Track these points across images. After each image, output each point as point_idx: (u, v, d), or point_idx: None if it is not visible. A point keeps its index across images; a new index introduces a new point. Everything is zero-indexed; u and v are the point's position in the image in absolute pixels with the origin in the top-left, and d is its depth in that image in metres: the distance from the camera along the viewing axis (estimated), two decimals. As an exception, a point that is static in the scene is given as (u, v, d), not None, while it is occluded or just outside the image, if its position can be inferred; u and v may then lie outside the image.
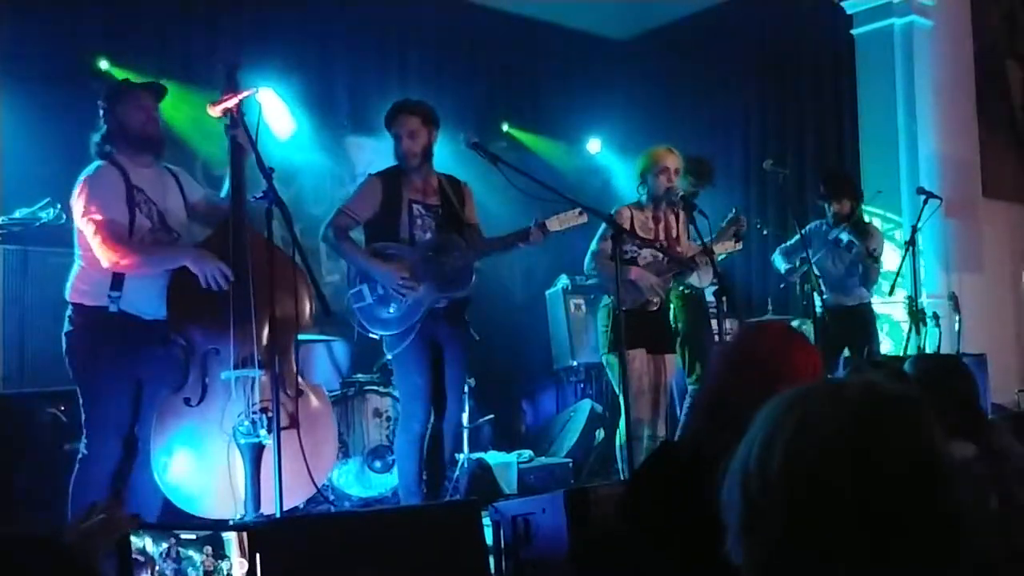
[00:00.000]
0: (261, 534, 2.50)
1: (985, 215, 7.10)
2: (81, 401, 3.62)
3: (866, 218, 5.88)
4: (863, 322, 5.73)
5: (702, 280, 5.13)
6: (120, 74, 5.85)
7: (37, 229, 4.51)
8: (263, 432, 3.35)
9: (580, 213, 4.04)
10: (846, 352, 5.64)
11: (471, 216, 4.38)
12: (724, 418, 1.94)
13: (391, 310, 4.16)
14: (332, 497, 5.00)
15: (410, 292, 4.11)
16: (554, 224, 4.06)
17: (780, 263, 5.85)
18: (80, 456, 3.60)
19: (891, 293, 5.62)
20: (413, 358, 4.19)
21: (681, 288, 5.17)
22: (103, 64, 5.92)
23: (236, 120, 3.59)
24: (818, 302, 5.57)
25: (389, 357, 4.35)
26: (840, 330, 5.64)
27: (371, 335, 4.37)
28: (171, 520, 3.75)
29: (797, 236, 5.65)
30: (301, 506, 3.75)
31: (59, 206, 4.27)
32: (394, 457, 5.20)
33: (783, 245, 5.87)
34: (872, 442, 0.90)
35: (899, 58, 6.78)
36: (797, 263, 5.66)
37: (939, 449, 0.91)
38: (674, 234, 4.85)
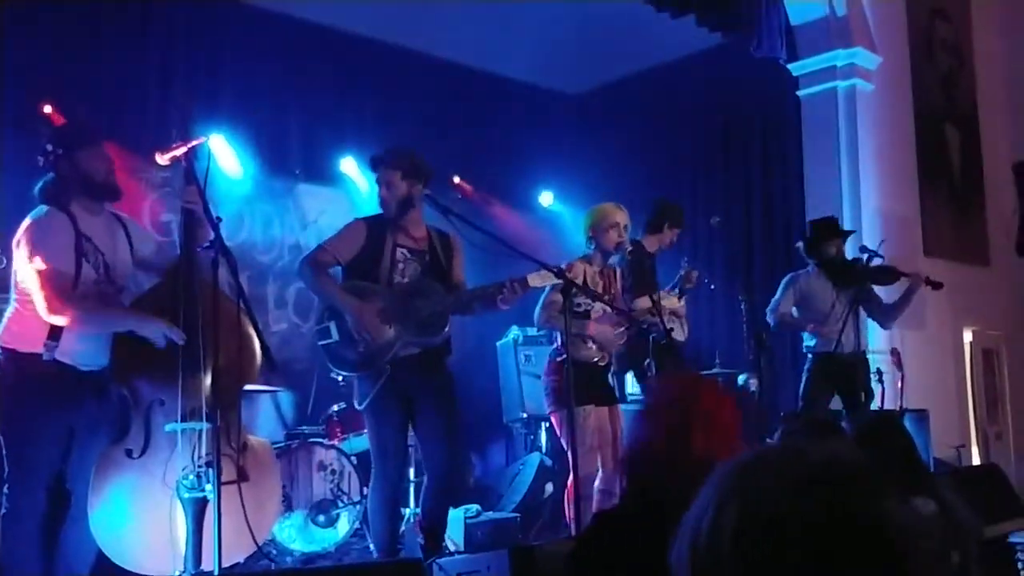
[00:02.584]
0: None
1: (926, 273, 7.25)
2: (4, 452, 3.44)
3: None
4: (857, 372, 5.72)
5: (686, 333, 5.16)
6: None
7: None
8: (209, 487, 3.24)
9: (544, 277, 4.00)
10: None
11: (458, 272, 4.31)
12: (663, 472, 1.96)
13: (359, 350, 4.02)
14: (274, 552, 4.89)
15: (371, 338, 3.99)
16: (535, 280, 4.01)
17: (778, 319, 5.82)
18: (3, 514, 3.41)
19: (835, 349, 5.68)
20: (381, 411, 4.07)
21: (659, 341, 5.16)
22: (47, 109, 5.86)
23: (185, 169, 3.56)
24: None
25: (359, 408, 4.17)
26: (832, 380, 5.67)
27: (335, 376, 4.20)
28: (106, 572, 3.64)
29: (784, 290, 5.72)
30: (241, 562, 3.66)
31: (-1, 253, 4.16)
32: (344, 507, 5.14)
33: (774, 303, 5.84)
34: (829, 514, 0.90)
35: (842, 119, 6.95)
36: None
37: (894, 520, 0.91)
38: (616, 289, 4.88)
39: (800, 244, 5.94)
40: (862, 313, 5.83)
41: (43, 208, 3.56)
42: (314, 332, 4.22)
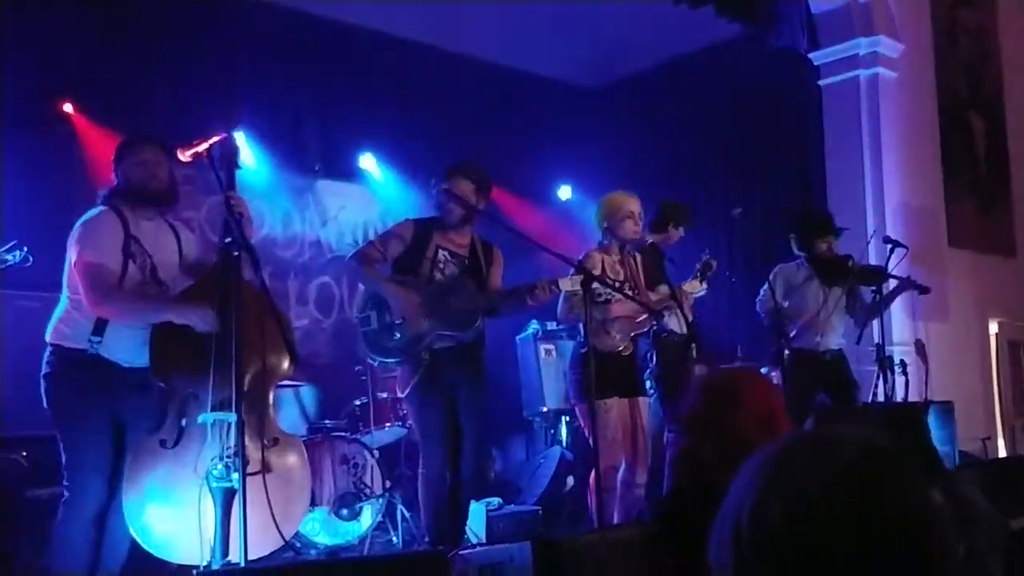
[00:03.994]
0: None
1: (950, 264, 7.19)
2: (61, 444, 3.59)
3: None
4: (840, 368, 5.70)
5: (683, 326, 5.13)
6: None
7: (4, 272, 4.44)
8: (236, 476, 3.27)
9: (574, 283, 4.08)
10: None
11: (495, 279, 4.51)
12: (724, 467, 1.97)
13: (395, 337, 4.26)
14: (298, 545, 4.93)
15: (415, 320, 4.23)
16: (566, 284, 4.13)
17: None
18: (64, 499, 3.57)
19: (858, 341, 5.64)
20: (423, 396, 4.30)
21: (660, 334, 5.16)
22: (68, 108, 5.91)
23: (212, 165, 3.57)
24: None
25: (402, 395, 4.49)
26: (814, 377, 5.61)
27: (372, 361, 4.52)
28: (137, 562, 3.70)
29: (772, 283, 5.65)
30: (267, 554, 3.69)
31: (26, 249, 4.21)
32: (367, 500, 5.17)
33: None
34: (871, 501, 0.89)
35: (865, 109, 6.89)
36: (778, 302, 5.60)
37: (933, 506, 0.90)
38: (638, 276, 4.86)
39: (792, 236, 5.87)
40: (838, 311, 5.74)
41: (97, 208, 3.72)
42: (357, 320, 4.48)
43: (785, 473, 0.94)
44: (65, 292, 3.68)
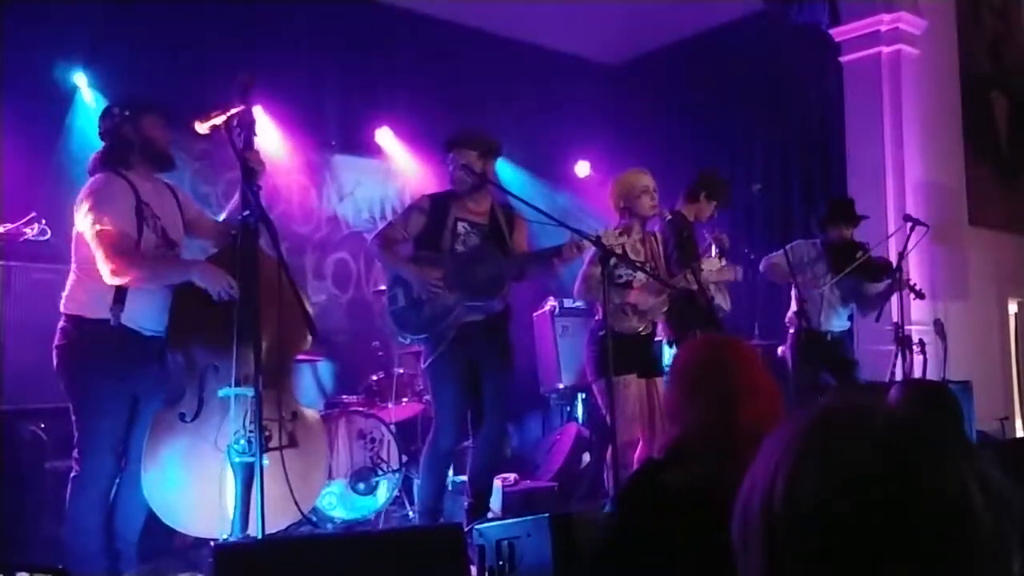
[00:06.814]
0: (228, 556, 2.47)
1: (970, 243, 7.14)
2: (74, 418, 3.54)
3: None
4: (842, 347, 5.79)
5: (728, 302, 5.11)
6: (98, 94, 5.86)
7: (20, 245, 4.46)
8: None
9: (620, 234, 4.07)
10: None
11: (520, 243, 4.50)
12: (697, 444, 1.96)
13: (423, 313, 4.29)
14: (315, 519, 4.95)
15: (440, 294, 4.25)
16: (607, 237, 4.06)
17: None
18: (73, 475, 3.54)
19: (877, 320, 5.61)
20: (444, 369, 4.31)
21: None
22: (82, 82, 5.90)
23: (230, 137, 3.50)
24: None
25: (423, 367, 4.50)
26: (819, 355, 5.65)
27: (402, 339, 4.56)
28: (153, 536, 3.72)
29: (782, 251, 5.64)
30: (285, 528, 3.70)
31: (43, 222, 4.22)
32: (384, 475, 5.19)
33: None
34: (909, 474, 0.87)
35: (886, 86, 6.81)
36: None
37: (970, 478, 0.89)
38: (659, 256, 4.83)
39: (813, 218, 5.92)
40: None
41: (101, 174, 3.64)
42: (385, 300, 4.50)
43: (820, 445, 0.92)
44: (75, 263, 3.61)
